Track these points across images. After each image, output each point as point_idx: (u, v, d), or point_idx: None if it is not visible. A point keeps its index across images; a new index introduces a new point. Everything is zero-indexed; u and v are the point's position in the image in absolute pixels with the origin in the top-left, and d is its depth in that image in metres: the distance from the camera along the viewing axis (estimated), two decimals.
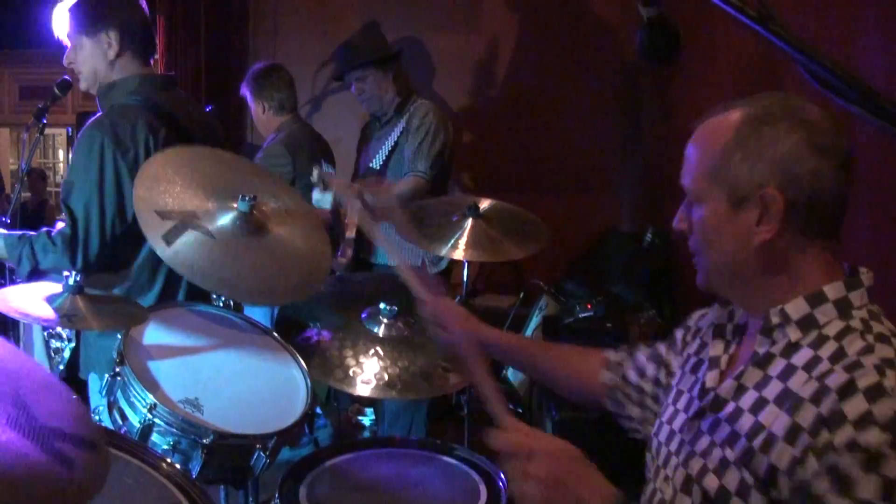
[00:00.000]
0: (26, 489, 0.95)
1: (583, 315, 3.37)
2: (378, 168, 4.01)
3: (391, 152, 4.00)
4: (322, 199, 3.48)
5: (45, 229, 2.65)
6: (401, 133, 3.97)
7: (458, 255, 2.82)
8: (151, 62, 2.90)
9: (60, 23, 2.76)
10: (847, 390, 1.26)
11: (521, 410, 3.94)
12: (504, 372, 4.12)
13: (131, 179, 2.56)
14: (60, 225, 2.62)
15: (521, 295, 4.42)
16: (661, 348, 1.87)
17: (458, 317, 2.08)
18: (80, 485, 1.03)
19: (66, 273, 2.05)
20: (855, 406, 1.24)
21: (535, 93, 5.64)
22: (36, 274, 2.61)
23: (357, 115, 5.28)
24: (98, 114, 2.72)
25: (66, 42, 2.77)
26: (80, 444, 1.11)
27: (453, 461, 2.32)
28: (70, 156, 2.48)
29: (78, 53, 2.76)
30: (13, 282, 2.65)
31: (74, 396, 1.24)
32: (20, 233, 2.66)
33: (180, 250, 2.23)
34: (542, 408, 3.29)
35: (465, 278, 3.13)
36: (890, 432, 1.21)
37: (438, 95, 5.63)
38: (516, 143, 5.68)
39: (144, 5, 2.85)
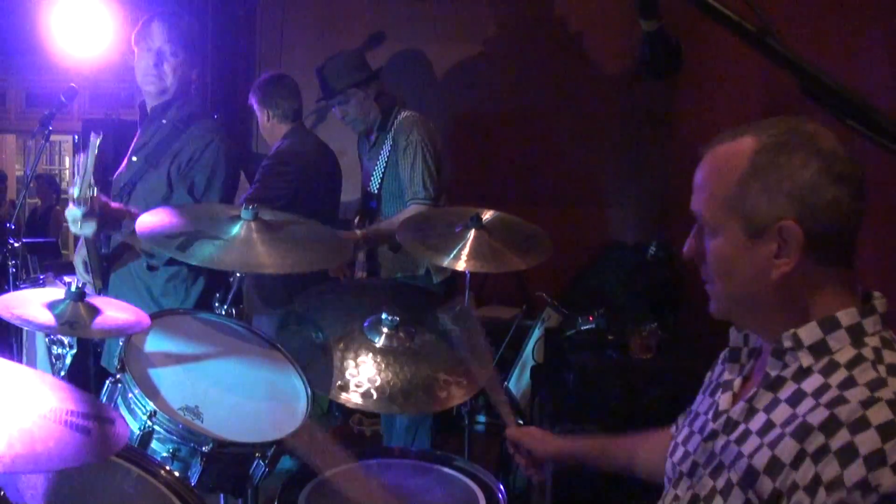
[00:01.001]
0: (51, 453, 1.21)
1: (585, 327, 3.37)
2: (375, 192, 4.02)
3: (384, 172, 3.99)
4: None
5: None
6: (389, 152, 3.97)
7: (461, 265, 2.81)
8: None
9: (159, 29, 3.12)
10: (859, 426, 1.26)
11: (521, 423, 3.94)
12: (505, 384, 4.12)
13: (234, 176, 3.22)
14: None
15: (524, 307, 4.41)
16: None
17: (542, 441, 2.15)
18: (96, 447, 1.30)
19: (67, 280, 2.05)
20: (867, 443, 1.24)
21: (538, 105, 5.64)
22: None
23: None
24: (207, 122, 3.22)
25: (161, 45, 3.10)
26: (95, 419, 1.34)
27: (453, 472, 2.32)
28: (183, 158, 3.11)
29: (172, 64, 3.13)
30: (16, 287, 2.67)
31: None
32: None
33: (199, 252, 2.29)
34: (542, 421, 3.29)
35: (467, 289, 3.12)
36: None
37: (439, 107, 5.64)
38: (519, 155, 5.68)
39: None
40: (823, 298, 1.41)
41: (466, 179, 5.13)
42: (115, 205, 2.80)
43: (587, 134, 5.57)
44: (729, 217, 1.43)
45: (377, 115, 4.03)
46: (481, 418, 4.71)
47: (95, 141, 2.52)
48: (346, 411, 5.05)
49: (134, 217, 2.69)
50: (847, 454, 1.24)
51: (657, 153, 5.35)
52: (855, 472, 1.23)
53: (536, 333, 3.98)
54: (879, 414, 1.25)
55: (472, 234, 2.85)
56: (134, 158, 3.21)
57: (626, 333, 3.22)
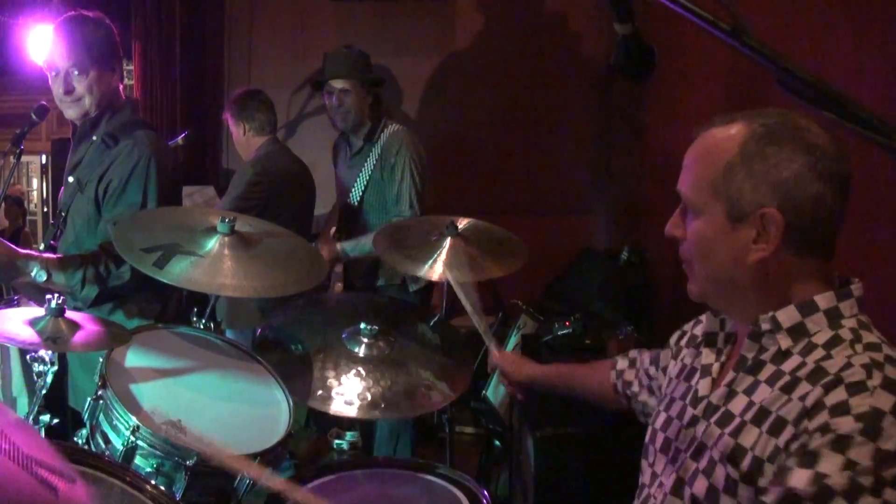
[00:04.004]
0: None
1: (561, 332, 3.37)
2: (355, 204, 4.00)
3: (367, 185, 3.98)
4: None
5: (96, 249, 2.72)
6: (374, 166, 3.96)
7: (438, 276, 2.81)
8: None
9: (57, 50, 2.79)
10: (832, 385, 1.30)
11: (500, 429, 3.95)
12: (483, 392, 4.13)
13: (173, 193, 2.95)
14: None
15: (500, 314, 4.42)
16: (660, 352, 1.93)
17: (516, 366, 2.41)
18: None
19: (48, 296, 2.05)
20: (835, 397, 1.29)
21: (509, 115, 5.68)
22: (101, 298, 2.70)
23: (331, 140, 5.31)
24: (136, 135, 2.86)
25: (66, 68, 2.80)
26: (60, 475, 1.14)
27: (437, 480, 2.33)
28: (111, 178, 2.82)
29: (83, 83, 2.81)
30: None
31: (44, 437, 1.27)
32: (78, 255, 2.71)
33: (174, 270, 2.28)
34: (522, 425, 3.29)
35: (444, 298, 3.13)
36: (862, 422, 1.25)
37: (412, 119, 5.67)
38: (491, 165, 5.72)
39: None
40: (799, 286, 1.45)
41: (437, 190, 5.15)
42: (21, 251, 2.64)
43: (558, 143, 5.63)
44: (713, 199, 1.47)
45: (366, 119, 4.01)
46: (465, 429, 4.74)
47: None
48: (323, 425, 5.03)
49: (44, 262, 2.62)
50: (817, 408, 1.30)
51: (627, 160, 5.40)
52: (821, 419, 1.28)
53: (513, 340, 3.99)
54: (854, 374, 1.31)
55: (448, 242, 2.86)
56: (70, 179, 2.98)
57: (602, 337, 3.25)
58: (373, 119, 4.03)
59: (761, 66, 1.07)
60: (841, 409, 1.27)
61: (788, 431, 1.32)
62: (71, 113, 2.89)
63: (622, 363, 2.06)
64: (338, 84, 3.97)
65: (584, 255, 5.15)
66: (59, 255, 2.71)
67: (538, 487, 2.93)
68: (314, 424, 5.09)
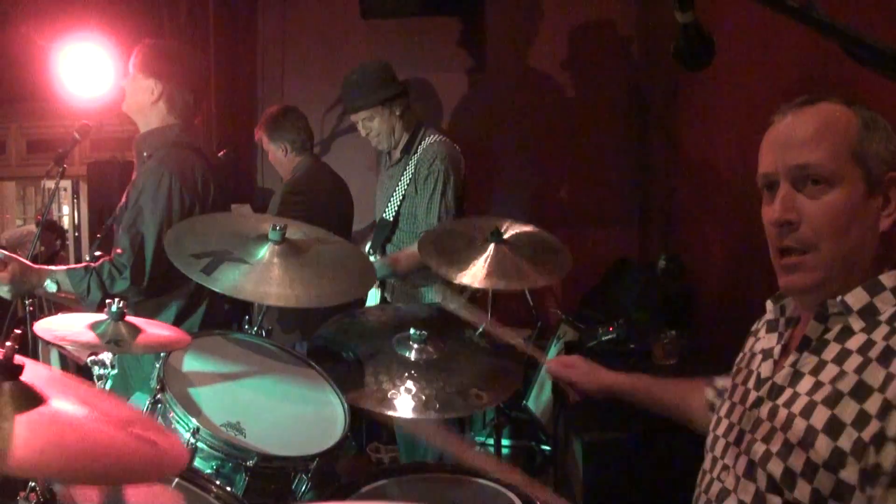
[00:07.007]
0: (126, 467, 1.04)
1: (606, 338, 3.37)
2: (391, 220, 3.90)
3: (401, 203, 3.88)
4: None
5: (105, 259, 2.86)
6: (409, 182, 3.83)
7: (481, 283, 2.82)
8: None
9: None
10: None
11: (543, 438, 3.95)
12: (524, 402, 4.12)
13: (193, 208, 2.99)
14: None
15: (539, 325, 4.43)
16: None
17: (588, 374, 2.27)
18: (166, 460, 1.20)
19: (108, 301, 2.08)
20: None
21: (543, 128, 5.70)
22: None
23: (366, 158, 5.35)
24: (167, 152, 3.03)
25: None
26: (153, 429, 1.22)
27: (489, 483, 2.32)
28: (135, 190, 3.01)
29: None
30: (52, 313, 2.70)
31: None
32: (83, 265, 2.86)
33: (221, 277, 2.30)
34: (568, 433, 3.29)
35: (489, 306, 3.13)
36: None
37: (446, 135, 5.70)
38: (526, 178, 5.73)
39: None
40: None
41: (473, 204, 5.17)
42: (33, 265, 2.83)
43: (592, 155, 5.64)
44: (853, 166, 1.44)
45: (402, 133, 3.85)
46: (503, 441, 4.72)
47: None
48: (361, 441, 5.04)
49: (53, 274, 2.81)
50: None
51: (663, 170, 5.40)
52: None
53: (554, 350, 3.99)
54: None
55: (491, 248, 2.88)
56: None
57: (647, 342, 3.24)
58: (408, 129, 3.88)
59: (832, 41, 1.08)
60: None
61: (874, 425, 1.30)
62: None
63: (721, 381, 1.92)
64: (358, 116, 3.85)
65: (620, 264, 5.14)
66: (66, 266, 2.88)
67: (587, 493, 2.92)
68: (352, 440, 5.10)
